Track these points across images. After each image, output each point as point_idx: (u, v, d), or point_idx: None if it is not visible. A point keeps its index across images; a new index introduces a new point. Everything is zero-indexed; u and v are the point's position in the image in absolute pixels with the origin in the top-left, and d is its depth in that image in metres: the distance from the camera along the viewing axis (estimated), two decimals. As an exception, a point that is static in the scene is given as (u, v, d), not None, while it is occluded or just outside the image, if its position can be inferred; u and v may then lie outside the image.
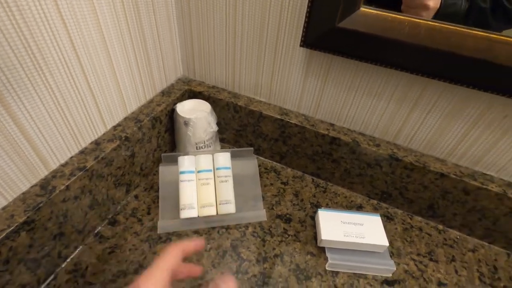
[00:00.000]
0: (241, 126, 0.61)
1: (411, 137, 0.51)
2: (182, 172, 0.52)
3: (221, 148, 0.65)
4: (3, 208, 0.36)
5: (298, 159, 0.60)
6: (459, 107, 0.45)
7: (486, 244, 0.53)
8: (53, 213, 0.39)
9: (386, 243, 0.46)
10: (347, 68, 0.48)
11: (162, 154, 0.55)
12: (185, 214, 0.49)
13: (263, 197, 0.56)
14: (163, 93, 0.58)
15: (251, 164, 0.57)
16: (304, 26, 0.44)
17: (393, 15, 0.39)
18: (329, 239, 0.46)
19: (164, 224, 0.49)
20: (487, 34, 0.35)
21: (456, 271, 0.48)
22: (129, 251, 0.46)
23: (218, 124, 0.63)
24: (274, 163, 0.64)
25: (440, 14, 0.39)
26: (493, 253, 0.52)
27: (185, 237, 0.49)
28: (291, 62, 0.52)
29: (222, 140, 0.66)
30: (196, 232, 0.50)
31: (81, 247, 0.46)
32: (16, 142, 0.35)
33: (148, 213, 0.52)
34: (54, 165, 0.41)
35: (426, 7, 0.39)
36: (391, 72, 0.45)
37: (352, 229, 0.48)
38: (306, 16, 0.43)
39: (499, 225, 0.50)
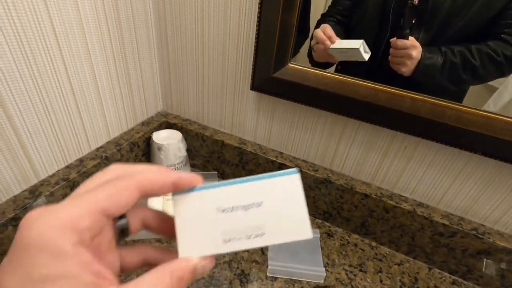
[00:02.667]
0: (208, 153, 0.72)
1: (343, 164, 0.62)
2: (151, 189, 0.61)
3: (190, 172, 0.75)
4: (-3, 207, 0.45)
5: (255, 183, 0.70)
6: (372, 140, 0.57)
7: (411, 259, 0.61)
8: (37, 214, 0.48)
9: (308, 234, 0.22)
10: (287, 107, 0.61)
11: (137, 174, 0.65)
12: (149, 224, 0.58)
13: (221, 213, 0.65)
14: (143, 123, 0.70)
15: (213, 185, 0.67)
16: (251, 75, 0.58)
17: (312, 70, 0.53)
18: (195, 254, 0.21)
19: (130, 232, 0.57)
20: (372, 85, 0.49)
21: (381, 281, 0.56)
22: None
23: (189, 151, 0.74)
24: (236, 186, 0.73)
25: (421, 64, 0.46)
26: (416, 267, 0.60)
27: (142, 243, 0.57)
28: (246, 101, 0.65)
29: (193, 166, 0.77)
30: (158, 241, 0.58)
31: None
32: (14, 150, 0.46)
33: (119, 224, 0.60)
34: (43, 175, 0.51)
35: (410, 57, 0.46)
36: (319, 112, 0.58)
37: (242, 221, 0.22)
38: (252, 68, 0.57)
39: (417, 241, 0.59)
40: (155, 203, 0.60)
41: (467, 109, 0.46)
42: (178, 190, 0.21)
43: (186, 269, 0.19)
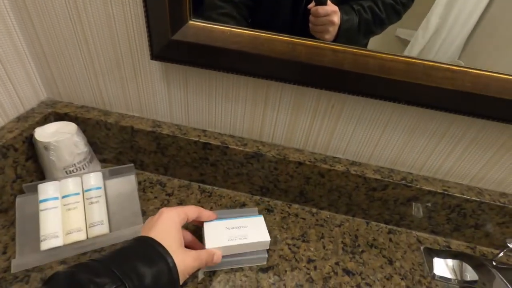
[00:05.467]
0: (117, 144, 0.60)
1: (272, 133, 0.57)
2: (43, 200, 0.48)
3: (101, 169, 0.62)
4: None
5: (181, 169, 0.61)
6: (298, 102, 0.51)
7: (350, 217, 0.61)
8: None
9: (267, 238, 0.48)
10: (201, 76, 0.51)
11: (24, 185, 0.51)
12: (46, 245, 0.45)
13: (144, 211, 0.55)
14: (18, 119, 0.54)
15: (129, 181, 0.56)
16: (148, 41, 0.46)
17: (219, 27, 0.43)
18: (214, 246, 0.45)
19: (19, 262, 0.45)
20: (289, 39, 0.42)
21: (324, 247, 0.54)
22: (-28, 301, 0.40)
23: (94, 144, 0.60)
24: (160, 176, 0.64)
25: (342, 29, 0.44)
26: (355, 224, 0.60)
27: (49, 270, 0.45)
28: (150, 75, 0.53)
29: (103, 161, 0.64)
30: (63, 262, 0.46)
31: None
32: None
33: (4, 253, 0.46)
34: None
35: (332, 23, 0.44)
36: (237, 77, 0.50)
37: (236, 233, 0.47)
38: (147, 32, 0.45)
39: (353, 199, 0.58)
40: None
41: (388, 56, 0.43)
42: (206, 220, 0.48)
43: (211, 252, 0.43)
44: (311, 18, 0.44)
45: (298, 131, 0.55)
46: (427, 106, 0.45)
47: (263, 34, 0.42)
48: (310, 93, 0.50)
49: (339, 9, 0.44)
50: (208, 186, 0.63)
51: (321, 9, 0.43)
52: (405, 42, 0.46)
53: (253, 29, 0.43)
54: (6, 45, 0.50)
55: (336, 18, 0.44)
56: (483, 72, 0.40)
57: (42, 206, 0.48)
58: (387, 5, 0.45)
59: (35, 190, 0.49)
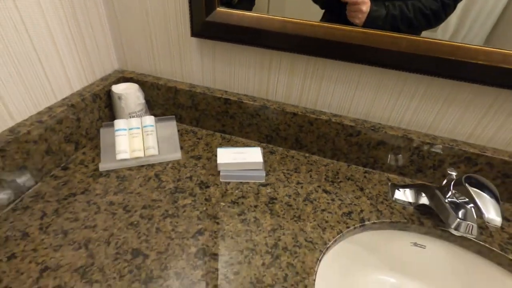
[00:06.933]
0: (164, 101, 0.83)
1: (275, 92, 0.77)
2: (117, 130, 0.72)
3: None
4: (-17, 144, 0.54)
5: (208, 121, 0.83)
6: (293, 66, 0.71)
7: (335, 161, 0.78)
8: (19, 149, 0.57)
9: (260, 160, 0.69)
10: (225, 49, 0.73)
11: (103, 123, 0.75)
12: (119, 156, 0.69)
13: (181, 146, 0.78)
14: (102, 79, 0.79)
15: (172, 125, 0.79)
16: (190, 22, 0.69)
17: (236, 12, 0.65)
18: (222, 162, 0.68)
19: (103, 165, 0.69)
20: (282, 18, 0.62)
21: (311, 176, 0.73)
22: (77, 183, 0.65)
23: (147, 101, 0.84)
24: (193, 127, 0.86)
25: (370, 16, 0.56)
26: (338, 166, 0.77)
27: (121, 172, 0.69)
28: (190, 48, 0.76)
29: (153, 115, 0.87)
30: (129, 169, 0.70)
31: (40, 183, 0.63)
32: (-8, 98, 0.54)
33: (93, 161, 0.71)
34: (19, 120, 0.60)
35: (361, 11, 0.56)
36: (249, 48, 0.71)
37: (239, 156, 0.70)
38: (190, 15, 0.68)
39: (336, 144, 0.76)
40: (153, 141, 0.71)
41: (349, 28, 0.61)
42: None
43: None
44: (347, 6, 0.57)
45: (294, 89, 0.75)
46: (385, 66, 0.62)
47: (265, 16, 0.63)
48: (301, 59, 0.69)
49: (372, 3, 0.55)
50: (227, 135, 0.84)
51: None
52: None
53: (258, 12, 0.64)
54: (96, 26, 0.75)
55: (365, 8, 0.56)
56: (416, 38, 0.57)
57: (116, 133, 0.72)
58: (416, 7, 0.54)
59: (109, 126, 0.74)
